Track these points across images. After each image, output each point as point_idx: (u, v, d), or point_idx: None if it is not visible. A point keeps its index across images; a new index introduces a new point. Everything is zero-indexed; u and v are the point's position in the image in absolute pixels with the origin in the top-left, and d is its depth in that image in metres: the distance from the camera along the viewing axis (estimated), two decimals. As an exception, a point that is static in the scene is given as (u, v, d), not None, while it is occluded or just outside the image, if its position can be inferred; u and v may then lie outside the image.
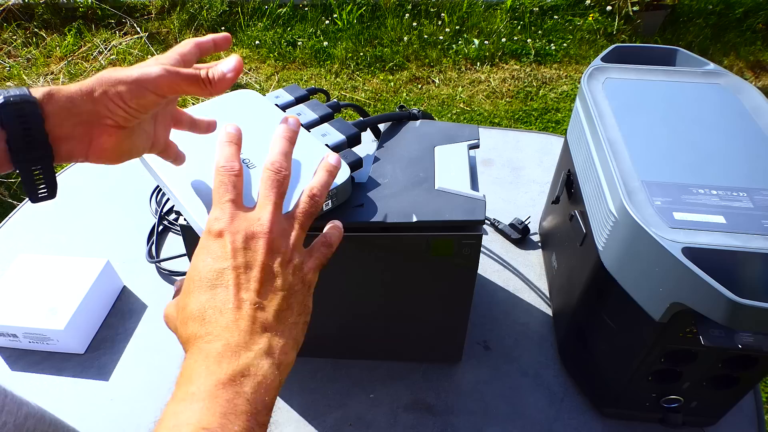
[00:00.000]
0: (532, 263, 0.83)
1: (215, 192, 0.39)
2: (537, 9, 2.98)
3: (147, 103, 0.39)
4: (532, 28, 2.94)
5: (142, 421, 0.66)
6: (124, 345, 0.74)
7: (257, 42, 2.93)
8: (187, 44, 0.43)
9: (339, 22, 2.99)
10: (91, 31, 3.02)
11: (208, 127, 0.52)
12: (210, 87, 0.39)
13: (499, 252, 0.85)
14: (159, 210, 0.91)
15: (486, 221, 0.75)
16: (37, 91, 0.37)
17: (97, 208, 0.96)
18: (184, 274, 0.83)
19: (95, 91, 0.38)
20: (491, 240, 0.87)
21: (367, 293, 0.61)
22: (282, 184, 0.39)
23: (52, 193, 0.41)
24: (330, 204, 0.50)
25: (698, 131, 0.55)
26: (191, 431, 0.27)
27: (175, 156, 0.50)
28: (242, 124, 0.57)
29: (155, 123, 0.45)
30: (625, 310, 0.51)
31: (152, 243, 0.88)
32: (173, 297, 0.39)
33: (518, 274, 0.81)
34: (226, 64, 0.40)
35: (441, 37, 2.88)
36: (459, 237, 0.51)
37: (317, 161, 0.52)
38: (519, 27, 2.94)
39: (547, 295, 0.78)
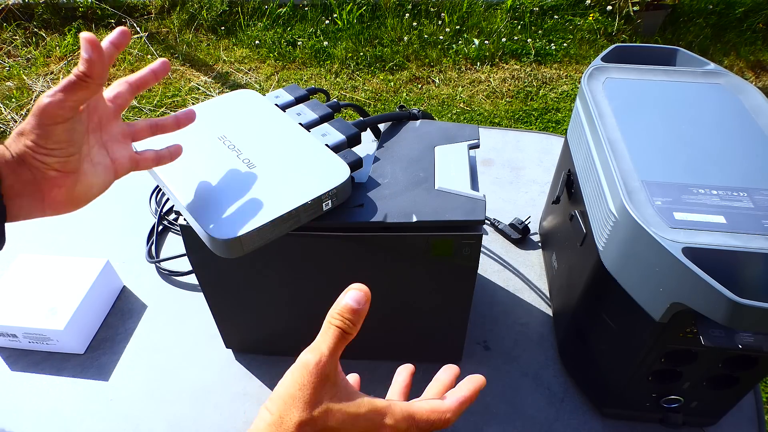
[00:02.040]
0: (532, 263, 0.83)
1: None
2: (537, 9, 2.98)
3: (59, 135, 0.38)
4: (532, 27, 2.94)
5: (142, 421, 0.66)
6: (124, 345, 0.74)
7: (257, 42, 2.93)
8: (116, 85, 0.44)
9: (339, 22, 2.99)
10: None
11: (176, 123, 0.49)
12: (90, 79, 0.37)
13: (499, 252, 0.85)
14: (159, 210, 0.91)
15: (486, 221, 0.75)
16: None
17: (97, 208, 0.96)
18: (184, 273, 0.83)
19: (20, 151, 0.38)
20: (491, 240, 0.87)
21: (367, 293, 0.61)
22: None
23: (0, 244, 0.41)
24: (330, 204, 0.50)
25: (698, 131, 0.55)
26: None
27: (158, 160, 0.48)
28: (242, 124, 0.57)
29: (107, 150, 0.44)
30: (625, 310, 0.51)
31: (152, 243, 0.88)
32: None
33: (518, 274, 0.81)
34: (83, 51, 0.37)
35: (441, 37, 2.88)
36: (459, 237, 0.51)
37: (317, 161, 0.52)
38: (519, 27, 2.94)
39: (547, 295, 0.78)
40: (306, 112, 0.59)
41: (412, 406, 0.34)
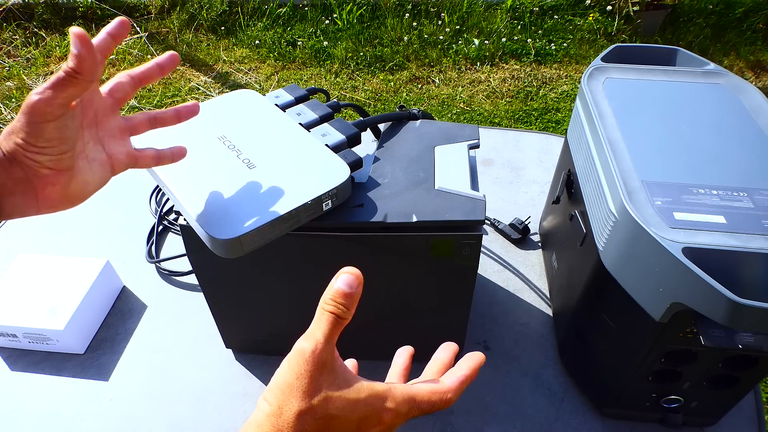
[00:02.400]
0: (532, 263, 0.83)
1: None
2: (537, 9, 2.98)
3: (50, 133, 0.37)
4: (532, 27, 2.94)
5: (142, 421, 0.66)
6: (124, 345, 0.74)
7: (257, 42, 2.93)
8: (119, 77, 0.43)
9: (339, 22, 2.98)
10: (92, 31, 3.02)
11: (177, 116, 0.47)
12: (80, 76, 0.35)
13: (499, 252, 0.85)
14: (159, 210, 0.91)
15: (486, 221, 0.75)
16: None
17: (97, 208, 0.96)
18: (184, 274, 0.83)
19: (11, 149, 0.37)
20: (491, 240, 0.87)
21: (366, 293, 0.61)
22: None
23: None
24: (330, 204, 0.50)
25: (698, 131, 0.55)
26: None
27: (158, 159, 0.47)
28: (242, 124, 0.57)
29: (103, 146, 0.43)
30: (625, 310, 0.51)
31: (152, 243, 0.88)
32: None
33: (518, 274, 0.81)
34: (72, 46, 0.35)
35: (441, 37, 2.88)
36: (459, 237, 0.51)
37: (317, 161, 0.52)
38: (519, 27, 2.94)
39: (547, 295, 0.78)
40: (306, 112, 0.59)
41: (412, 389, 0.34)
